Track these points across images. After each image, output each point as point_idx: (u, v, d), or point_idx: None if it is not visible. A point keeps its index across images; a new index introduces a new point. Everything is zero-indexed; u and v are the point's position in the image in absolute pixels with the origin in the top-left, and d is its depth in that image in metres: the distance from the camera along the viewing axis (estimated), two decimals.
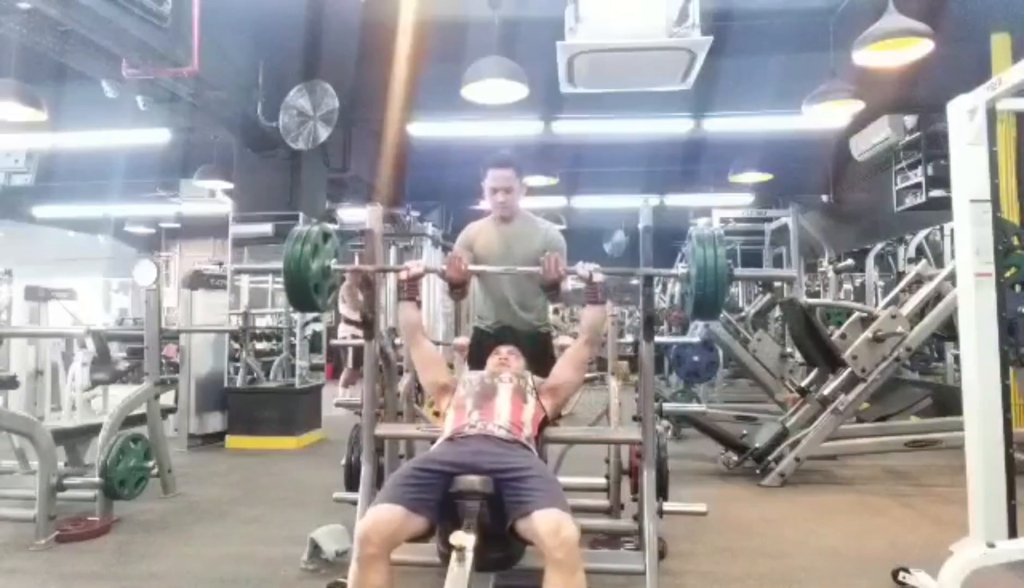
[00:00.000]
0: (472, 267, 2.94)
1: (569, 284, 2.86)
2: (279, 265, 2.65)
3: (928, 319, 5.05)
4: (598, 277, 2.67)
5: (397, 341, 3.63)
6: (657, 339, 3.30)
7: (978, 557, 2.43)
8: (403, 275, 2.79)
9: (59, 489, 3.71)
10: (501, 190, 3.11)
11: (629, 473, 3.53)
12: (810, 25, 5.77)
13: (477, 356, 3.19)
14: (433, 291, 8.52)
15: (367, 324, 2.89)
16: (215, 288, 7.11)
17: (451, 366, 3.73)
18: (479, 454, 2.25)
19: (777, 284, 9.81)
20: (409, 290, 2.81)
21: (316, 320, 7.20)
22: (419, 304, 2.90)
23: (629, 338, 5.57)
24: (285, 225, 6.75)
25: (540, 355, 3.12)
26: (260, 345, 7.52)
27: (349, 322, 8.02)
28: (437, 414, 3.42)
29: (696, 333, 7.15)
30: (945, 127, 3.15)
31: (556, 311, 10.79)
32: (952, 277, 4.43)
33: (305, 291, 2.65)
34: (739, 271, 2.68)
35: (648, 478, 2.73)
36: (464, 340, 3.85)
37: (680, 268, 2.70)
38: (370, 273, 2.88)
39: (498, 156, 3.16)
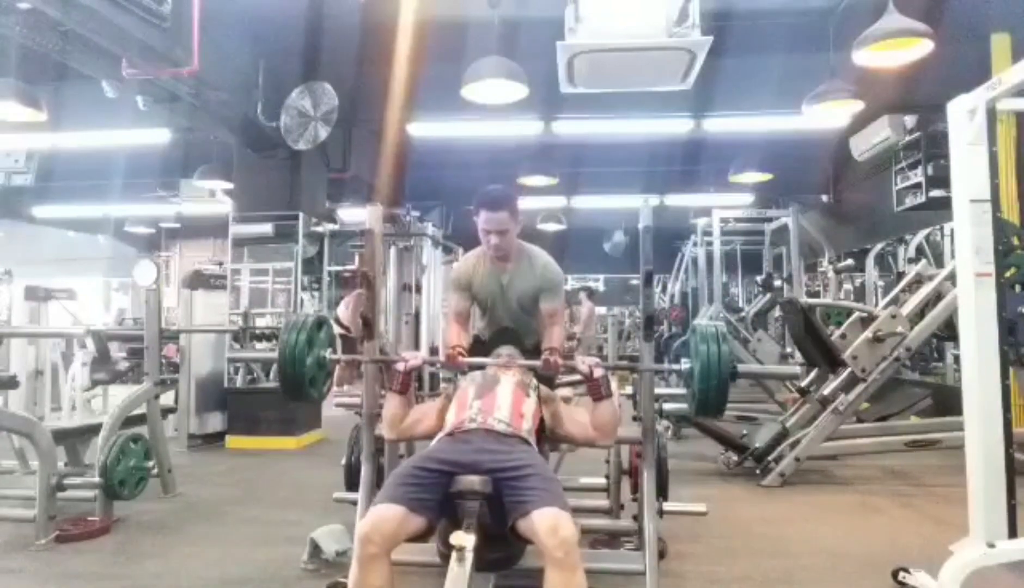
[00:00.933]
0: (466, 360, 2.84)
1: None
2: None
3: (928, 319, 5.05)
4: (598, 372, 2.56)
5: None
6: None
7: (978, 557, 2.43)
8: (401, 366, 2.63)
9: (59, 489, 3.71)
10: (495, 233, 2.94)
11: (629, 473, 3.53)
12: (810, 25, 5.77)
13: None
14: (433, 290, 8.51)
15: (367, 325, 2.90)
16: (215, 288, 7.10)
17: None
18: (479, 452, 2.25)
19: (777, 283, 9.83)
20: (402, 384, 2.62)
21: None
22: (408, 400, 2.71)
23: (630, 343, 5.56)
24: (285, 225, 6.78)
25: (542, 380, 3.09)
26: (260, 345, 7.51)
27: (339, 324, 8.01)
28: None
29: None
30: (945, 127, 3.15)
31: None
32: (952, 277, 4.43)
33: (300, 384, 2.66)
34: (743, 368, 2.65)
35: (648, 478, 2.73)
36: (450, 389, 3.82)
37: (683, 364, 2.65)
38: (365, 364, 2.87)
39: (490, 197, 2.95)
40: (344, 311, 8.09)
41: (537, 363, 2.73)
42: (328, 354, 2.72)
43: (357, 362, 2.88)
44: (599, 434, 2.64)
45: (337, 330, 8.21)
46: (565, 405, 2.84)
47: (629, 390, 3.50)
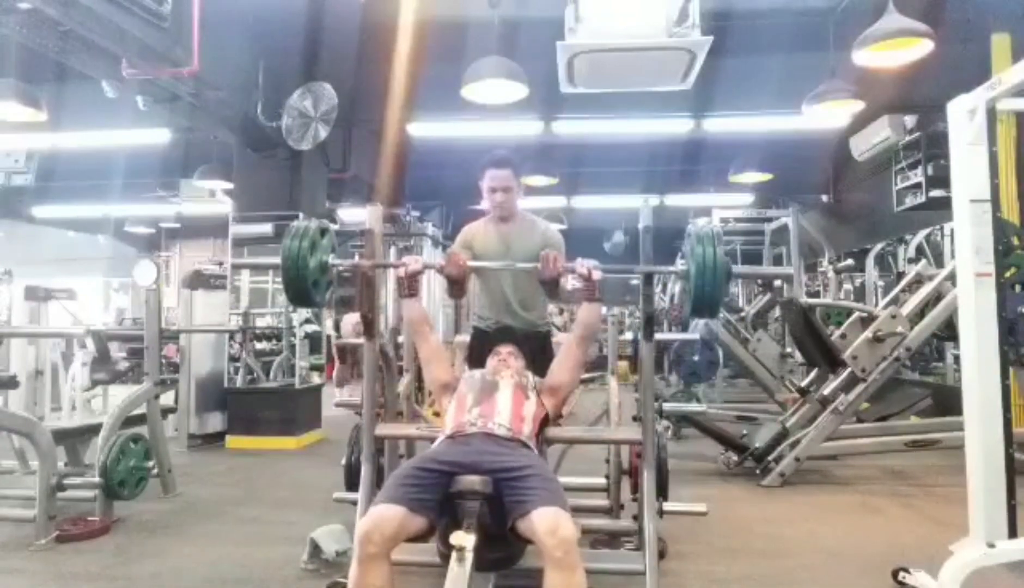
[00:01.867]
0: (471, 263, 2.94)
1: (569, 282, 2.85)
2: (278, 260, 2.65)
3: (928, 319, 5.05)
4: (597, 274, 2.65)
5: (400, 339, 3.61)
6: (657, 336, 3.30)
7: (978, 557, 2.43)
8: (402, 271, 2.77)
9: (59, 489, 3.71)
10: (499, 190, 3.10)
11: (629, 473, 3.53)
12: (810, 25, 5.77)
13: (477, 356, 3.18)
14: (433, 289, 8.52)
15: (367, 324, 2.89)
16: (215, 288, 7.10)
17: (452, 364, 3.73)
18: (480, 454, 2.25)
19: (777, 284, 9.82)
20: (410, 287, 2.80)
21: (308, 321, 7.20)
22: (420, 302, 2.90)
23: (628, 335, 5.56)
24: (285, 225, 6.73)
25: (540, 355, 3.11)
26: (260, 345, 7.52)
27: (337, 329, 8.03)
28: (437, 414, 3.42)
29: (696, 330, 7.15)
30: (945, 127, 3.15)
31: (561, 312, 10.77)
32: (952, 277, 4.43)
33: (303, 287, 2.64)
34: (738, 268, 2.67)
35: (648, 478, 2.73)
36: (465, 338, 3.84)
37: (679, 265, 2.70)
38: (369, 269, 2.88)
39: (496, 156, 3.14)
40: (348, 328, 8.10)
41: (536, 265, 2.75)
42: (331, 258, 2.72)
43: (363, 273, 2.86)
44: (580, 335, 2.77)
45: (335, 339, 8.25)
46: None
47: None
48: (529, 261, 2.89)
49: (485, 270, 3.16)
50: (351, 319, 7.56)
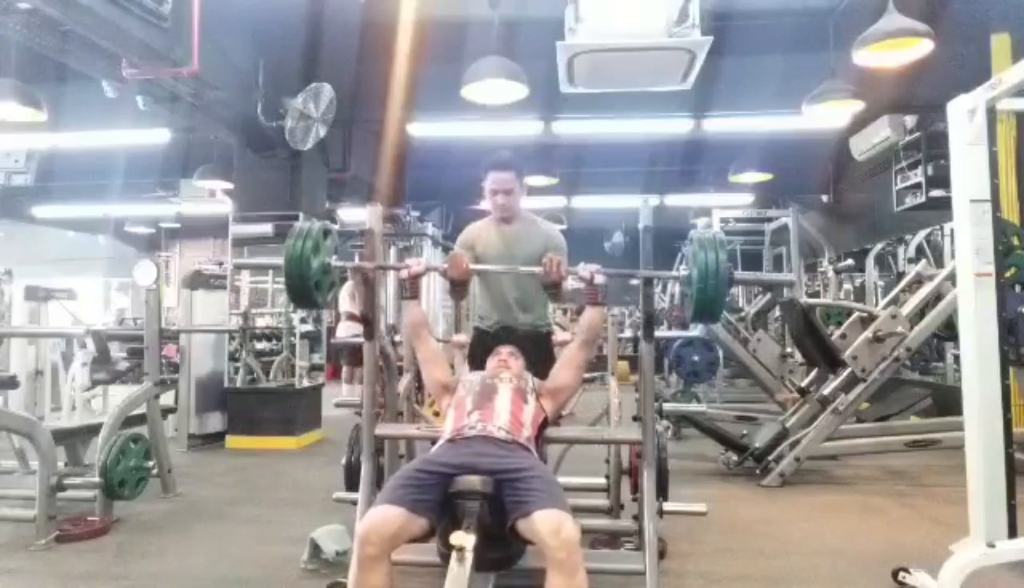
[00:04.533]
0: (474, 266, 2.94)
1: (570, 284, 2.86)
2: (280, 261, 2.65)
3: (928, 319, 5.05)
4: (599, 278, 2.65)
5: (397, 338, 3.59)
6: (658, 334, 3.29)
7: (978, 557, 2.43)
8: (404, 273, 2.78)
9: (59, 489, 3.71)
10: (501, 192, 3.09)
11: (629, 473, 3.53)
12: (810, 25, 5.77)
13: (477, 356, 3.18)
14: (433, 290, 8.52)
15: (367, 324, 2.89)
16: (215, 288, 7.10)
17: (451, 366, 3.72)
18: (479, 455, 2.24)
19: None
20: (411, 289, 2.82)
21: (303, 321, 7.20)
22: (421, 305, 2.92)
23: (628, 333, 5.57)
24: (285, 225, 6.71)
25: (540, 356, 3.11)
26: (260, 345, 7.51)
27: (352, 318, 8.01)
28: (437, 414, 3.42)
29: (697, 328, 7.14)
30: (945, 127, 3.15)
31: (565, 312, 10.77)
32: (952, 277, 4.43)
33: (306, 288, 2.64)
34: (739, 274, 2.66)
35: (648, 478, 2.73)
36: (463, 337, 3.85)
37: (680, 270, 2.70)
38: (370, 271, 2.88)
39: (498, 158, 3.13)
40: (347, 303, 8.08)
41: (538, 269, 2.75)
42: (333, 260, 2.72)
43: (363, 274, 2.86)
44: (583, 340, 2.77)
45: (348, 323, 8.22)
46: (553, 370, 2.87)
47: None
48: (531, 262, 2.89)
49: (486, 272, 3.15)
50: (348, 288, 7.47)
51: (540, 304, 3.30)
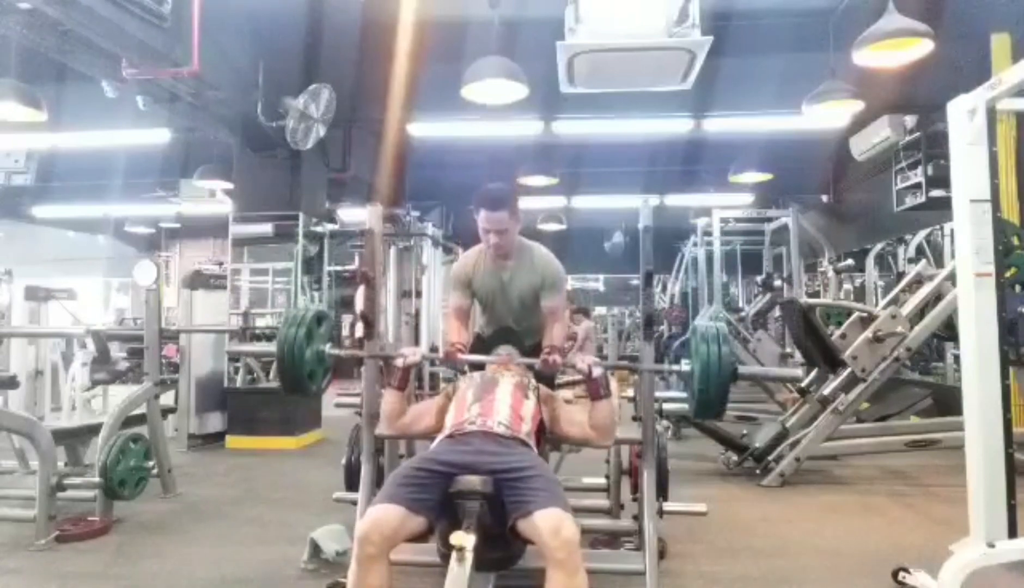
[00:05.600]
0: (462, 357, 2.86)
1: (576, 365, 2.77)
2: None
3: (928, 319, 5.05)
4: (597, 372, 2.54)
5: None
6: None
7: (978, 557, 2.43)
8: (400, 362, 2.65)
9: (59, 489, 3.71)
10: (495, 232, 2.93)
11: (629, 473, 3.53)
12: (810, 25, 5.77)
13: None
14: (433, 290, 8.51)
15: (367, 324, 2.90)
16: (215, 288, 7.10)
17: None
18: (479, 454, 2.24)
19: (777, 283, 9.83)
20: (400, 379, 2.65)
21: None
22: (407, 396, 2.75)
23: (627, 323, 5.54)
24: (285, 225, 6.78)
25: (542, 380, 3.08)
26: (259, 345, 7.51)
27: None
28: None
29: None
30: (945, 127, 3.15)
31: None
32: (952, 277, 4.43)
33: (299, 378, 2.65)
34: (743, 369, 2.62)
35: (648, 478, 2.73)
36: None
37: (684, 365, 2.64)
38: (366, 360, 2.89)
39: (490, 197, 2.94)
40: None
41: (536, 361, 2.72)
42: (328, 349, 2.71)
43: (358, 358, 2.86)
44: (597, 434, 2.62)
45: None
46: (564, 405, 2.84)
47: (630, 392, 3.49)
48: (529, 296, 2.95)
49: (487, 303, 3.13)
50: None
51: (540, 327, 3.19)
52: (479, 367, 2.96)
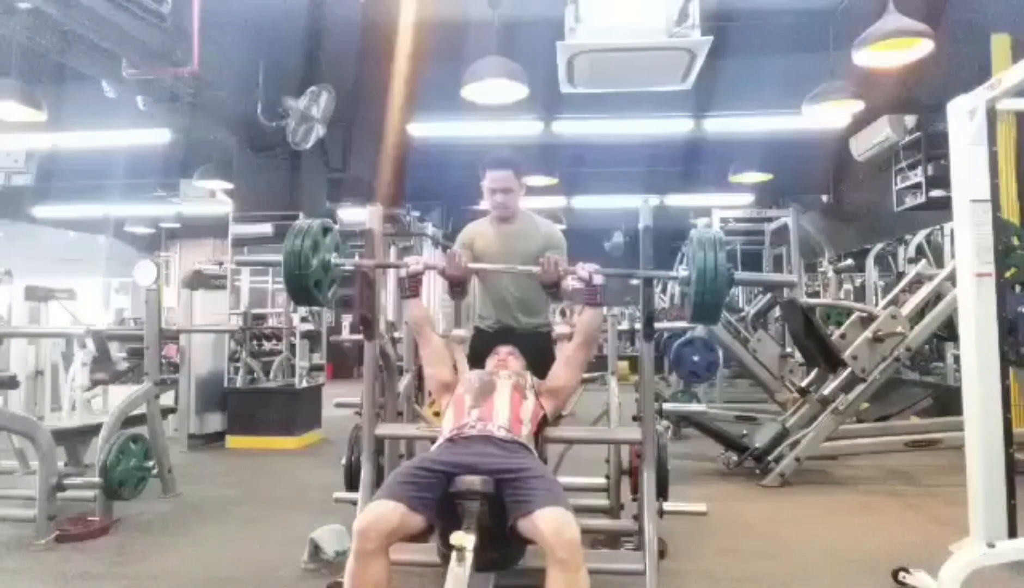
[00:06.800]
0: (472, 265, 2.94)
1: (569, 284, 2.85)
2: (279, 257, 2.64)
3: (928, 319, 5.05)
4: (598, 279, 2.63)
5: (396, 334, 3.56)
6: (659, 325, 3.27)
7: (978, 557, 2.43)
8: (403, 272, 2.79)
9: (59, 489, 3.71)
10: (499, 191, 3.07)
11: (629, 473, 3.53)
12: (810, 25, 5.77)
13: (477, 356, 3.17)
14: (433, 289, 8.51)
15: (367, 324, 2.89)
16: (215, 288, 7.10)
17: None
18: (479, 455, 2.25)
19: None
20: (412, 287, 2.82)
21: (304, 320, 7.19)
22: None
23: (626, 325, 5.53)
24: (285, 225, 6.71)
25: (541, 355, 3.09)
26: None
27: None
28: (437, 414, 3.41)
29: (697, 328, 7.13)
30: (945, 127, 3.15)
31: (564, 314, 10.75)
32: (952, 277, 4.43)
33: (305, 286, 2.64)
34: (739, 275, 2.64)
35: (648, 478, 2.73)
36: (463, 332, 3.84)
37: (680, 271, 2.68)
38: (370, 269, 2.88)
39: (496, 157, 3.11)
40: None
41: (536, 269, 2.74)
42: (333, 257, 2.72)
43: (364, 271, 2.86)
44: (581, 341, 2.75)
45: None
46: (551, 373, 2.85)
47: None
48: (530, 261, 2.88)
49: (486, 272, 3.15)
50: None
51: (541, 305, 3.29)
52: (479, 365, 2.96)
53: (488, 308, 3.31)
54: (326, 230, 2.72)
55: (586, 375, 3.24)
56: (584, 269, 2.66)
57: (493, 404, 2.50)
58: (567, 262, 2.76)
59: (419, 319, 2.90)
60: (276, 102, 6.19)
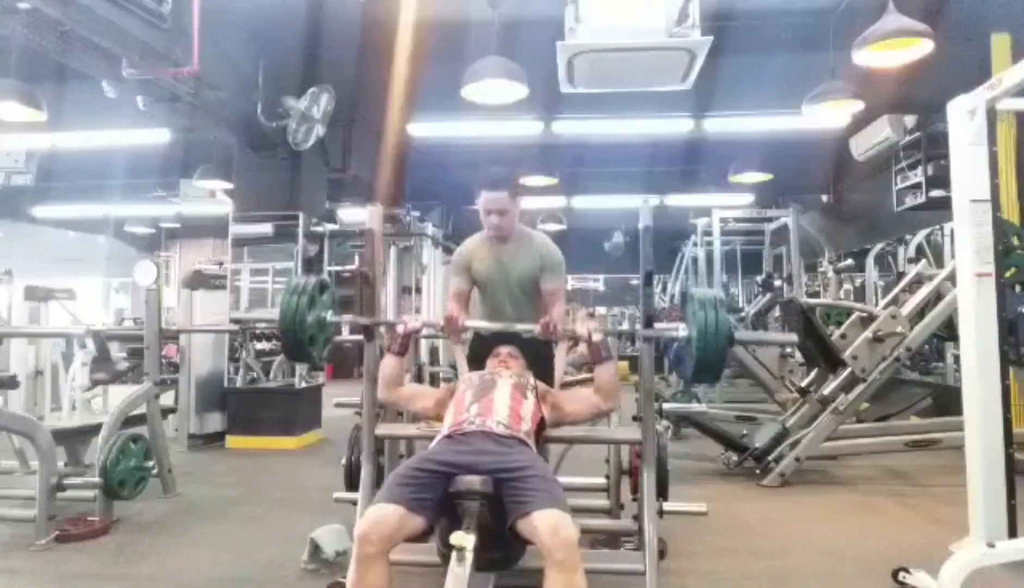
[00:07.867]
0: (468, 323, 2.94)
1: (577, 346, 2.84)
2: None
3: (928, 319, 5.05)
4: (597, 337, 2.61)
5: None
6: (658, 327, 3.27)
7: (978, 557, 2.43)
8: (400, 329, 2.75)
9: (59, 489, 3.71)
10: (495, 212, 2.97)
11: (629, 473, 3.52)
12: (810, 25, 5.76)
13: (477, 358, 3.16)
14: (434, 289, 8.51)
15: (367, 329, 2.90)
16: (215, 288, 7.10)
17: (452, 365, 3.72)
18: (479, 454, 2.24)
19: (777, 283, 9.82)
20: (400, 345, 2.75)
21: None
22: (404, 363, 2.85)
23: (625, 325, 5.54)
24: (285, 225, 6.78)
25: (541, 361, 3.07)
26: (259, 345, 7.51)
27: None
28: (439, 416, 3.41)
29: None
30: (945, 127, 3.15)
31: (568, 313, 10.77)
32: (952, 277, 4.43)
33: (300, 344, 2.66)
34: (740, 335, 2.65)
35: (648, 478, 2.73)
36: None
37: (681, 330, 2.67)
38: (368, 325, 2.89)
39: (491, 177, 2.99)
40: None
41: (535, 327, 2.74)
42: (329, 315, 2.73)
43: (361, 329, 2.87)
44: (602, 396, 2.71)
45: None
46: (563, 391, 2.86)
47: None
48: (527, 280, 2.94)
49: (486, 289, 3.13)
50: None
51: (538, 317, 3.25)
52: (479, 366, 2.96)
53: (488, 318, 3.29)
54: (323, 287, 2.74)
55: (586, 375, 3.25)
56: (583, 327, 2.66)
57: (493, 400, 2.50)
58: (564, 281, 2.77)
59: (391, 377, 2.77)
60: (276, 102, 6.19)
